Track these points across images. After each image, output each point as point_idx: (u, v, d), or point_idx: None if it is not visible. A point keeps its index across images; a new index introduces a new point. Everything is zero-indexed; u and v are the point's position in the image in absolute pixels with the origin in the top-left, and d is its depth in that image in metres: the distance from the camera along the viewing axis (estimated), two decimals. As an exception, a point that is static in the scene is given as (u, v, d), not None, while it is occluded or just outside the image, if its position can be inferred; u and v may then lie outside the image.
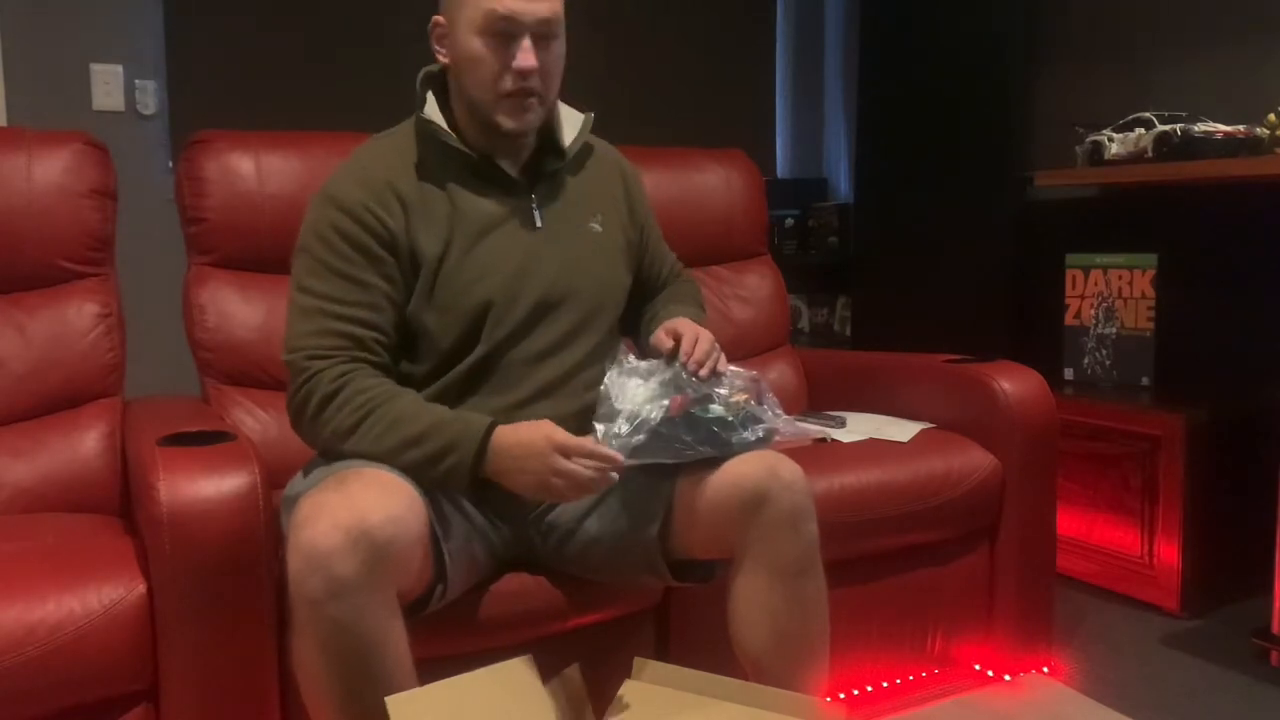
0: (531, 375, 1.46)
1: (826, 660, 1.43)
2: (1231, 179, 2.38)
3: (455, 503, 1.40)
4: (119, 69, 2.85)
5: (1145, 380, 2.56)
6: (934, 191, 3.26)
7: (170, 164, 2.86)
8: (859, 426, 2.09)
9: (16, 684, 1.21)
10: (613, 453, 1.31)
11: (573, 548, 1.48)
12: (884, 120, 3.46)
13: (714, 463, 1.38)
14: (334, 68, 3.07)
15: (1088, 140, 2.64)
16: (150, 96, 2.89)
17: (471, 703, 1.22)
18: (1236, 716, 1.87)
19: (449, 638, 1.41)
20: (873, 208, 3.53)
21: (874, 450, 1.95)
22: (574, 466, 1.30)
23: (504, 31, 1.39)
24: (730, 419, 1.39)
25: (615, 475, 1.32)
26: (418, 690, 1.21)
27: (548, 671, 1.32)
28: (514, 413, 1.43)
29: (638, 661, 1.35)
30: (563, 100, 1.59)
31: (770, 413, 1.43)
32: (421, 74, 1.52)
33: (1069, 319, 2.71)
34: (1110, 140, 2.57)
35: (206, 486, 1.28)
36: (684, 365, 1.41)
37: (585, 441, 1.31)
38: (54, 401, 1.77)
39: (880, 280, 3.51)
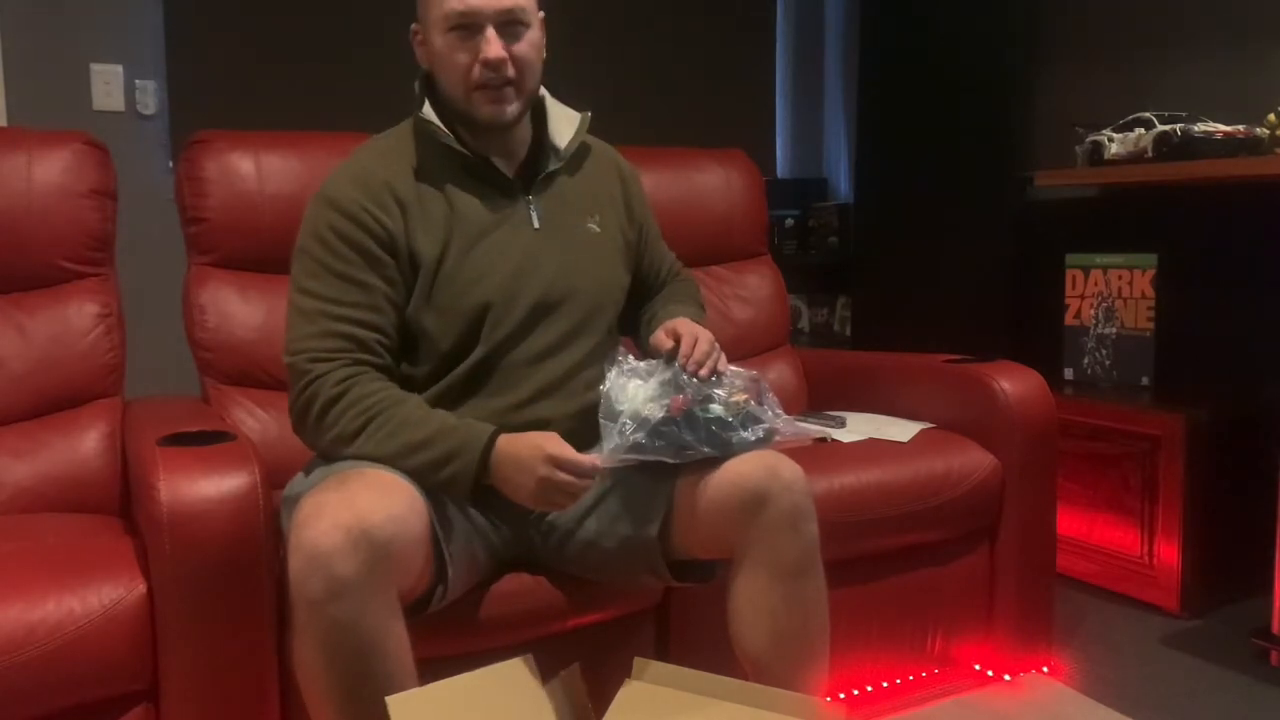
0: (531, 376, 1.46)
1: (826, 660, 1.43)
2: (1231, 179, 2.38)
3: (456, 503, 1.40)
4: (119, 69, 2.85)
5: (1145, 380, 2.56)
6: (934, 191, 3.26)
7: (170, 164, 2.86)
8: (859, 426, 2.09)
9: (16, 684, 1.21)
10: (595, 460, 1.33)
11: (573, 548, 1.48)
12: (884, 120, 3.46)
13: (714, 463, 1.38)
14: (334, 68, 3.07)
15: (1088, 140, 2.64)
16: (150, 96, 2.89)
17: (471, 703, 1.22)
18: (1236, 716, 1.87)
19: (449, 638, 1.41)
20: (873, 208, 3.53)
21: (874, 450, 1.95)
22: (565, 478, 1.30)
23: (467, 25, 1.40)
24: (730, 419, 1.38)
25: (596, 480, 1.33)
26: (418, 690, 1.20)
27: (548, 671, 1.32)
28: (514, 413, 1.43)
29: (638, 661, 1.35)
30: (562, 100, 1.59)
31: (770, 413, 1.43)
32: (421, 74, 1.52)
33: (1069, 319, 2.71)
34: (1110, 140, 2.57)
35: (206, 486, 1.29)
36: (683, 366, 1.41)
37: (577, 457, 1.32)
38: (54, 401, 1.77)
39: (880, 280, 3.51)
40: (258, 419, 1.86)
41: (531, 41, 1.45)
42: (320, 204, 1.44)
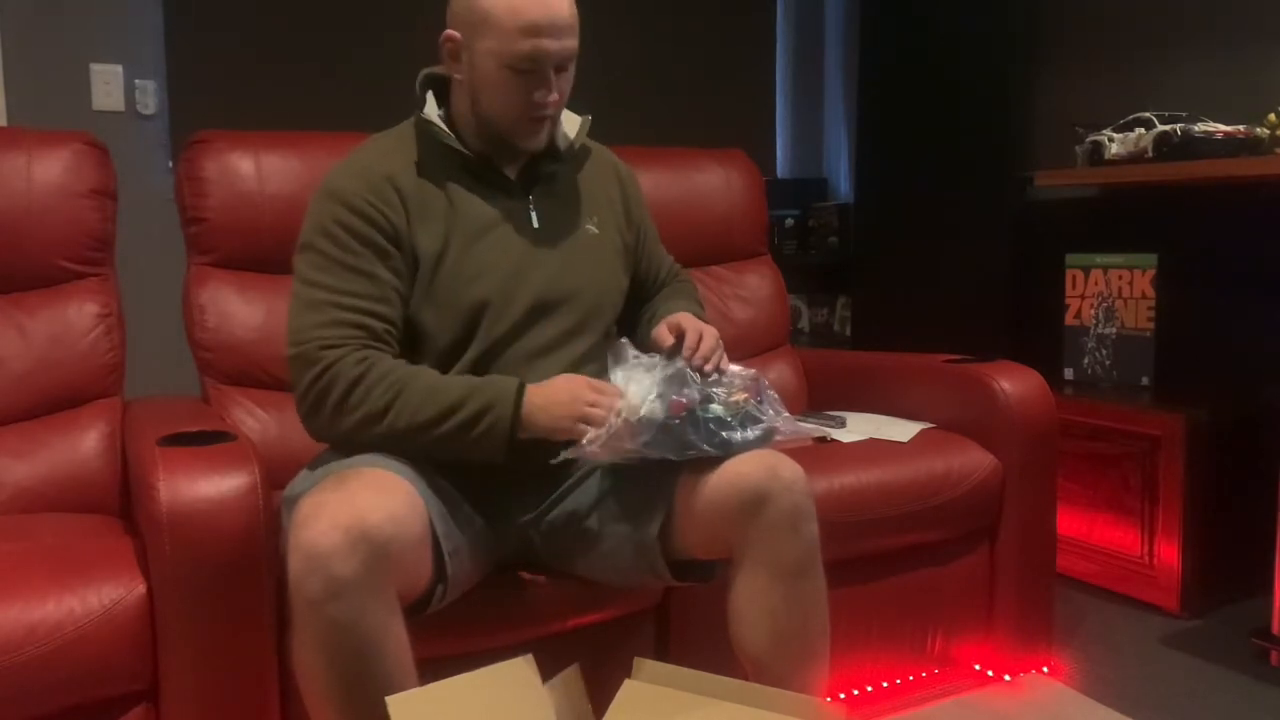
0: (528, 373, 1.46)
1: (826, 660, 1.43)
2: (1231, 179, 2.38)
3: (455, 503, 1.40)
4: (119, 69, 2.85)
5: (1145, 380, 2.56)
6: (934, 191, 3.27)
7: (170, 164, 2.87)
8: (859, 426, 2.09)
9: (16, 684, 1.21)
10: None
11: (573, 548, 1.48)
12: (884, 120, 3.46)
13: (714, 462, 1.37)
14: (334, 68, 3.07)
15: (1088, 140, 2.64)
16: (150, 96, 2.89)
17: (471, 703, 1.22)
18: (1236, 716, 1.87)
19: (449, 638, 1.41)
20: (873, 208, 3.53)
21: (874, 450, 1.95)
22: (596, 395, 1.36)
23: (531, 69, 1.40)
24: (730, 419, 1.38)
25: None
26: (418, 690, 1.20)
27: (548, 671, 1.32)
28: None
29: (638, 661, 1.35)
30: (563, 100, 1.59)
31: (770, 412, 1.43)
32: (422, 75, 1.53)
33: (1069, 319, 2.71)
34: (1110, 140, 2.57)
35: (206, 486, 1.29)
36: (688, 361, 1.41)
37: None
38: (54, 401, 1.77)
39: (880, 280, 3.51)
40: (258, 419, 1.86)
41: (571, 73, 1.47)
42: (324, 199, 1.44)
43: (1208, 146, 2.35)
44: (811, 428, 2.06)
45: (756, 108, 3.83)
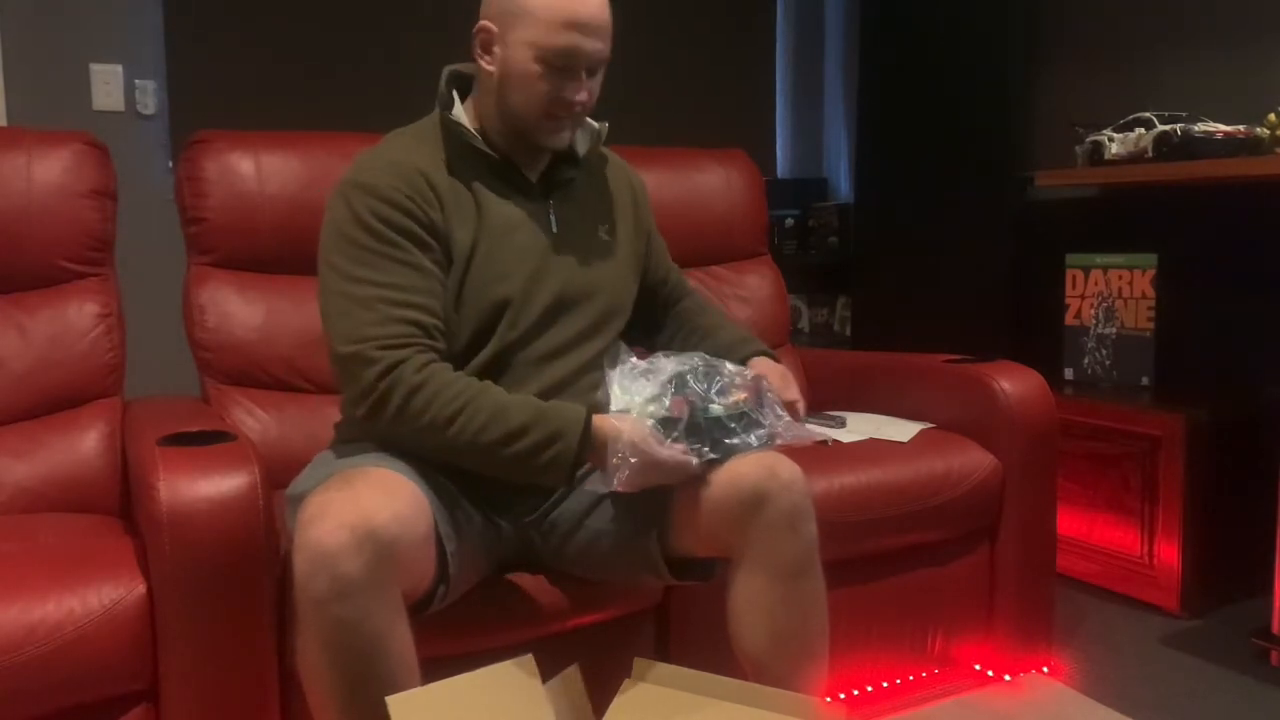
0: (539, 375, 1.46)
1: (826, 660, 1.43)
2: (1231, 179, 2.38)
3: (457, 503, 1.40)
4: (119, 69, 2.85)
5: (1145, 380, 2.56)
6: (934, 191, 3.26)
7: (170, 164, 2.86)
8: (859, 426, 2.09)
9: (16, 684, 1.21)
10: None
11: (573, 547, 1.48)
12: (884, 120, 3.46)
13: (713, 463, 1.38)
14: (334, 68, 3.07)
15: (1088, 140, 2.64)
16: (150, 96, 2.89)
17: (471, 703, 1.22)
18: (1236, 716, 1.87)
19: (449, 638, 1.41)
20: (873, 208, 3.53)
21: (874, 450, 1.95)
22: (673, 451, 1.34)
23: (564, 65, 1.40)
24: (729, 421, 1.39)
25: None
26: (418, 690, 1.20)
27: (548, 671, 1.32)
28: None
29: (638, 661, 1.35)
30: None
31: (770, 414, 1.43)
32: (446, 72, 1.52)
33: (1069, 319, 2.71)
34: (1110, 140, 2.57)
35: (206, 486, 1.29)
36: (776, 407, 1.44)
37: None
38: (54, 401, 1.77)
39: (880, 280, 3.51)
40: (258, 419, 1.86)
41: (600, 79, 1.47)
42: (356, 191, 1.41)
43: (1208, 146, 2.35)
44: (812, 429, 2.06)
45: (756, 108, 3.83)
